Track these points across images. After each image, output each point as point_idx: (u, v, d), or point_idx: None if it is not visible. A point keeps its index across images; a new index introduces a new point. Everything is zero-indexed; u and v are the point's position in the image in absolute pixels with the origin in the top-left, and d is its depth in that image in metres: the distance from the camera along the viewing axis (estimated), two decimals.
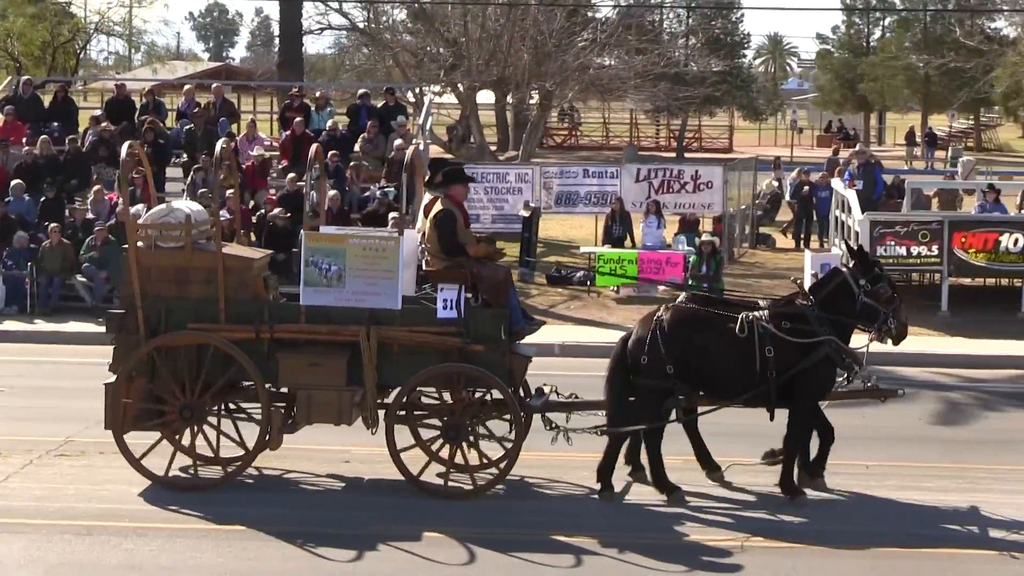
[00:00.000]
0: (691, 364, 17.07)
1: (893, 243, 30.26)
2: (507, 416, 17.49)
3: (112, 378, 17.33)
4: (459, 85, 45.99)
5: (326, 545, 15.46)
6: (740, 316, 17.21)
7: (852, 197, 33.06)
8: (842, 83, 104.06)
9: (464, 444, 17.33)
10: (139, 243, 17.29)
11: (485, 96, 51.23)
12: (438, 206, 17.53)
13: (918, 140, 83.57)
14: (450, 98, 50.40)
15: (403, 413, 17.62)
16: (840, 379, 17.48)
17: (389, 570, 15.03)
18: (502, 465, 17.35)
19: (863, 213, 31.37)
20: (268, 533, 15.86)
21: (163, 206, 18.13)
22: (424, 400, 18.09)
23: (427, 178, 18.23)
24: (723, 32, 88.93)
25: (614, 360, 17.50)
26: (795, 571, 14.96)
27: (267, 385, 17.29)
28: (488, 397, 17.38)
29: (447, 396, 17.79)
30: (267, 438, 17.21)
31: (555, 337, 27.71)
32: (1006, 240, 30.21)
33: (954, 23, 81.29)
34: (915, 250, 30.46)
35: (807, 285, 18.84)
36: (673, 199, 36.19)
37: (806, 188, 40.93)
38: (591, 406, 17.76)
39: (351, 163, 34.04)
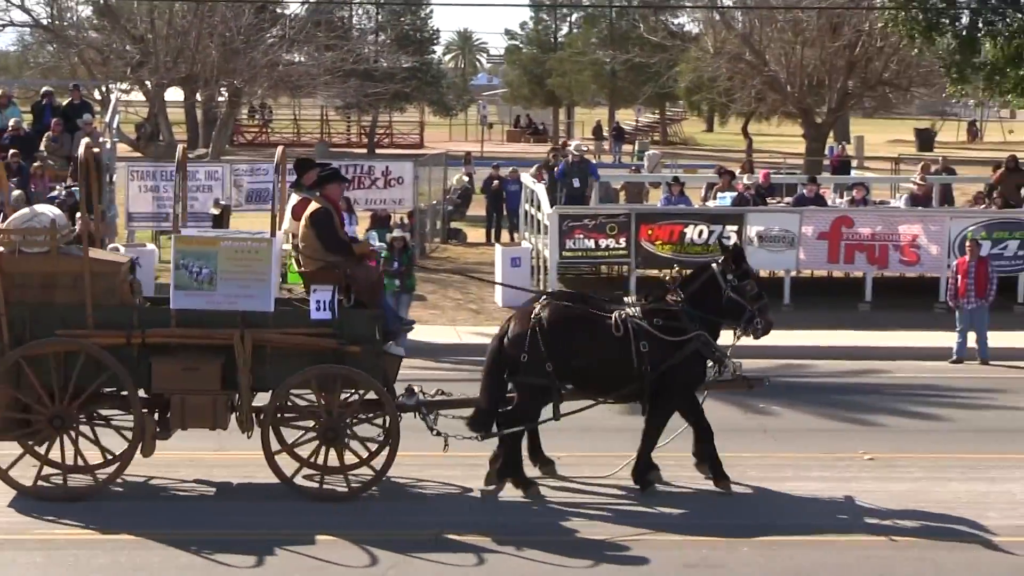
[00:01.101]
0: (570, 361, 17.25)
1: (582, 236, 30.88)
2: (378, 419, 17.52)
3: None
4: (147, 82, 45.40)
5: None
6: (615, 314, 17.45)
7: (541, 191, 33.64)
8: (531, 78, 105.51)
9: (337, 446, 17.16)
10: (1, 248, 16.87)
11: (174, 93, 50.63)
12: (314, 205, 17.39)
13: (606, 134, 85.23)
14: (138, 95, 49.69)
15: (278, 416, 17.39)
16: (711, 371, 17.76)
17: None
18: (379, 466, 17.24)
19: (552, 207, 31.93)
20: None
21: (26, 210, 17.63)
22: (298, 403, 17.76)
23: (294, 179, 18.14)
24: (412, 28, 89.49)
25: (491, 357, 17.54)
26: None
27: (139, 391, 16.92)
28: (360, 398, 17.30)
29: (316, 398, 17.45)
30: (140, 445, 16.86)
31: None
32: (691, 232, 31.03)
33: (639, 19, 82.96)
34: (603, 243, 31.11)
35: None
36: (364, 195, 36.26)
37: (496, 182, 41.53)
38: (463, 403, 17.83)
39: (35, 162, 33.40)
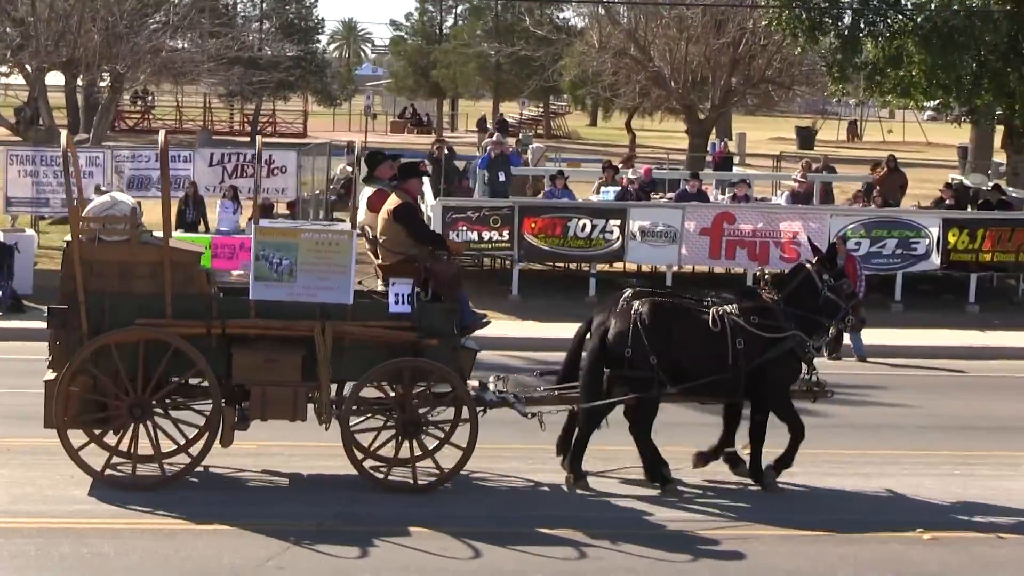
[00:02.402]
0: (671, 355, 17.39)
1: (465, 228, 30.90)
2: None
3: (51, 375, 16.68)
4: (27, 66, 44.80)
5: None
6: (712, 310, 17.66)
7: (425, 183, 33.57)
8: (416, 70, 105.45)
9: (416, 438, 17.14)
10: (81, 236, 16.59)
11: (54, 77, 49.98)
12: (395, 199, 17.29)
13: (489, 126, 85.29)
14: (18, 79, 49.05)
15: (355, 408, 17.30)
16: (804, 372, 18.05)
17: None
18: (457, 459, 17.16)
19: (435, 198, 31.94)
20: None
21: (106, 198, 17.36)
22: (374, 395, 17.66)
23: (364, 173, 18.05)
24: (297, 17, 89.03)
25: (593, 353, 17.55)
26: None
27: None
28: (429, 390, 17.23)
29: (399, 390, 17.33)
30: (220, 435, 16.79)
31: None
32: (574, 226, 31.19)
33: (524, 13, 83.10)
34: (487, 235, 31.17)
35: None
36: (247, 183, 36.12)
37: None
38: (558, 402, 17.90)
39: None
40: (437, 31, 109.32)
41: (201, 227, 34.66)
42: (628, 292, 17.89)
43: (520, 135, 71.08)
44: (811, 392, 18.33)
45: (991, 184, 36.39)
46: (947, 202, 34.53)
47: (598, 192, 35.24)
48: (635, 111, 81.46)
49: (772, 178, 47.23)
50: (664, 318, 17.52)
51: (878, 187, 36.40)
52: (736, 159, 62.44)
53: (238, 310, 16.74)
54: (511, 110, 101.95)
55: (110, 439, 17.29)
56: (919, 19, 36.15)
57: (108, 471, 16.85)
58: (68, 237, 16.79)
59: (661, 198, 35.81)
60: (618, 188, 34.46)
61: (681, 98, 56.51)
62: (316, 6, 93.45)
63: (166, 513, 16.03)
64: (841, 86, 41.99)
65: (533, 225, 31.16)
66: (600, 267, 32.35)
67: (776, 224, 31.74)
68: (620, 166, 39.33)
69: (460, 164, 39.70)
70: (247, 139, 75.71)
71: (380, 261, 17.46)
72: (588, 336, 17.84)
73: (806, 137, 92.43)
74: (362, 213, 17.99)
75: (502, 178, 34.21)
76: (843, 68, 38.21)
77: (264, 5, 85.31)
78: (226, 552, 14.89)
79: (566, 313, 28.77)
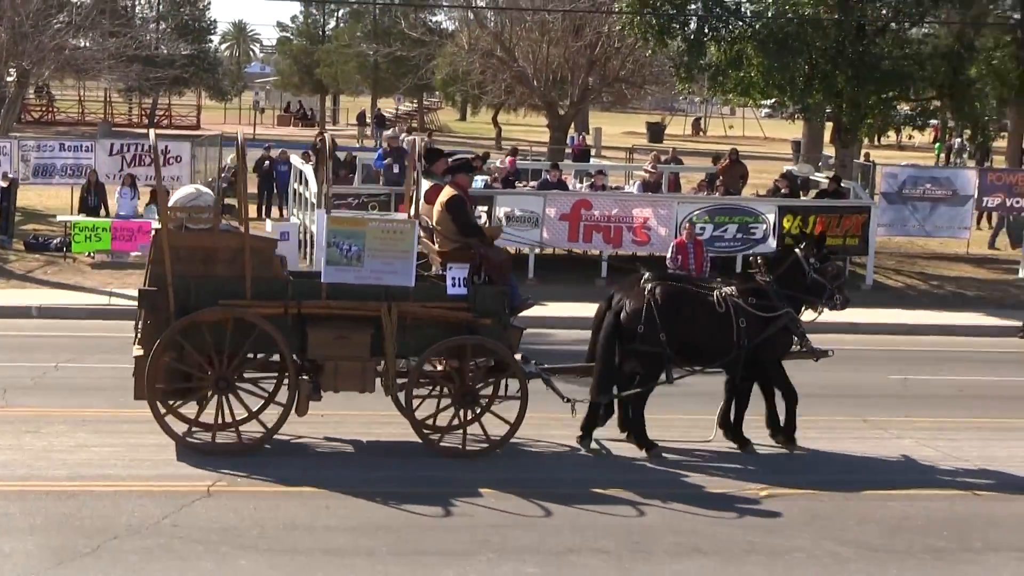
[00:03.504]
0: (680, 333, 17.56)
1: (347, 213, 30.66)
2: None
3: (138, 351, 16.75)
4: None
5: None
6: (715, 292, 17.90)
7: (309, 171, 33.36)
8: (300, 68, 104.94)
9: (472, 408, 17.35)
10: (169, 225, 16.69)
11: None
12: (448, 192, 17.54)
13: (368, 121, 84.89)
14: None
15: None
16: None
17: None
18: (509, 426, 17.30)
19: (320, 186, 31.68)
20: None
21: (192, 189, 17.62)
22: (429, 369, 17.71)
23: (423, 168, 18.14)
24: (191, 18, 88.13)
25: (608, 329, 17.65)
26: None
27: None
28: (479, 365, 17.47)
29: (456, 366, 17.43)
30: (296, 405, 16.88)
31: (33, 300, 27.34)
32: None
33: (400, 16, 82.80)
34: None
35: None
36: (145, 172, 35.66)
37: (267, 163, 41.10)
38: (580, 370, 18.24)
39: None
40: (320, 32, 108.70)
41: (102, 212, 34.21)
42: (647, 275, 18.08)
43: (396, 128, 70.73)
44: (813, 354, 18.53)
45: (831, 175, 36.70)
46: (782, 191, 34.81)
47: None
48: (501, 107, 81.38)
49: (625, 169, 47.32)
50: (674, 299, 17.72)
51: (720, 177, 36.66)
52: (593, 151, 62.74)
53: (311, 292, 16.88)
54: (388, 105, 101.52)
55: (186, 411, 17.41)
56: (757, 26, 36.40)
57: (189, 439, 17.04)
58: (158, 225, 16.80)
59: (525, 186, 35.78)
60: (486, 177, 34.37)
61: (543, 95, 56.53)
62: (209, 8, 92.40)
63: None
64: (687, 85, 42.19)
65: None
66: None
67: (629, 210, 31.83)
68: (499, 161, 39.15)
69: (341, 155, 39.44)
70: (144, 131, 74.83)
71: (438, 248, 17.64)
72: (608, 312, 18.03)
73: (656, 132, 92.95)
74: (421, 205, 17.95)
75: (396, 170, 33.90)
76: (689, 69, 38.43)
77: (160, 7, 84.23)
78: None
79: None
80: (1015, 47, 45.26)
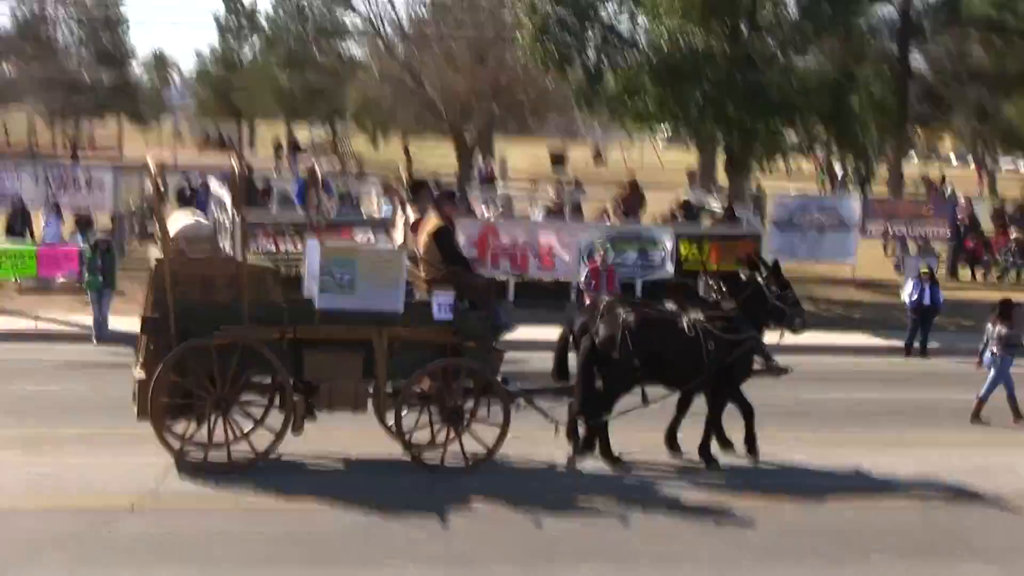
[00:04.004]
0: (652, 357, 17.88)
1: (264, 239, 30.59)
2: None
3: (140, 374, 16.91)
4: None
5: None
6: (684, 318, 18.18)
7: (226, 197, 33.23)
8: (218, 95, 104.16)
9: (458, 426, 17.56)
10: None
11: None
12: (435, 222, 17.80)
13: (283, 148, 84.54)
14: None
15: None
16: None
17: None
18: (492, 445, 17.60)
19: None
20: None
21: (191, 220, 17.88)
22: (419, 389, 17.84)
23: (409, 198, 18.38)
24: (110, 44, 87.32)
25: (585, 354, 17.91)
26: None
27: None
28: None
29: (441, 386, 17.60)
30: (291, 425, 17.09)
31: None
32: (360, 237, 30.88)
33: (314, 45, 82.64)
34: (283, 247, 30.85)
35: None
36: (69, 199, 35.41)
37: (190, 191, 40.84)
38: (558, 392, 18.37)
39: None
40: (237, 60, 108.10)
41: (28, 238, 33.85)
42: (606, 300, 18.57)
43: (312, 158, 70.56)
44: (774, 371, 19.01)
45: (726, 203, 37.06)
46: (679, 218, 35.10)
47: (379, 207, 35.11)
48: (411, 134, 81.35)
49: (530, 196, 47.46)
50: (647, 324, 18.01)
51: (621, 204, 36.89)
52: (499, 179, 62.78)
53: (305, 317, 16.97)
54: (302, 133, 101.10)
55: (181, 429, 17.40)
56: (652, 56, 36.63)
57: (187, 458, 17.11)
58: (159, 254, 17.01)
59: None
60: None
61: (450, 123, 56.61)
62: (127, 33, 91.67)
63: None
64: (588, 114, 42.34)
65: (323, 238, 30.86)
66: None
67: (534, 236, 32.00)
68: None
69: (259, 181, 39.31)
70: (68, 158, 74.10)
71: (424, 275, 17.84)
72: (571, 338, 18.41)
73: (559, 159, 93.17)
74: (403, 235, 18.39)
75: (316, 200, 33.94)
76: (589, 98, 38.58)
77: (83, 35, 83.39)
78: None
79: None
80: (893, 78, 46.01)
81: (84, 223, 33.26)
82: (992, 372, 22.70)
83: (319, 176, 36.22)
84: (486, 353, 17.59)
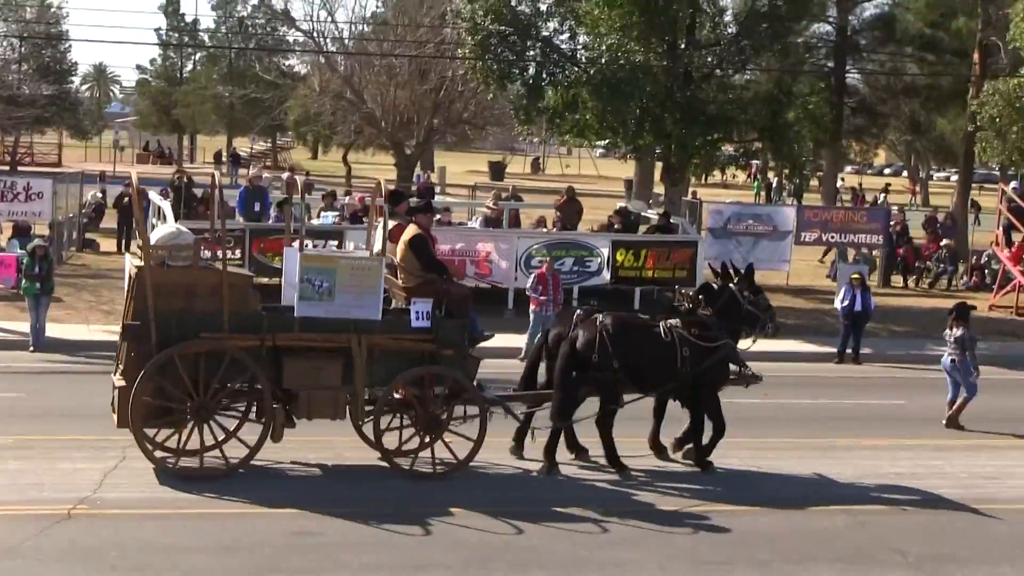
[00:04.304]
0: (630, 361, 17.93)
1: (202, 248, 30.26)
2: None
3: (121, 382, 16.67)
4: None
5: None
6: (661, 324, 18.28)
7: (167, 207, 32.93)
8: (159, 108, 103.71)
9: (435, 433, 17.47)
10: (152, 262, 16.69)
11: None
12: (412, 230, 17.74)
13: (224, 159, 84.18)
14: None
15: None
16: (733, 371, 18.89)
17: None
18: (467, 452, 17.49)
19: (175, 222, 31.24)
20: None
21: (172, 229, 17.75)
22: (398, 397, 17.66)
23: (388, 208, 18.06)
24: (52, 60, 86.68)
25: (564, 359, 17.89)
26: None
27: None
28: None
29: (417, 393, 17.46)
30: (271, 432, 16.89)
31: None
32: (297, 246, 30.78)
33: (254, 60, 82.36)
34: (221, 254, 30.55)
35: None
36: (7, 207, 35.04)
37: (127, 199, 40.51)
38: (537, 398, 18.42)
39: None
40: (178, 75, 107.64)
41: None
42: (580, 312, 18.58)
43: (251, 167, 70.22)
44: (746, 380, 19.10)
45: (661, 211, 37.14)
46: (616, 226, 35.12)
47: (319, 216, 34.94)
48: (351, 146, 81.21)
49: (468, 205, 47.40)
50: (625, 330, 18.12)
51: (558, 213, 36.88)
52: (438, 189, 62.70)
53: (284, 325, 16.90)
54: (243, 144, 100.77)
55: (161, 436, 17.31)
56: (592, 71, 36.65)
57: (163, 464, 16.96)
58: (140, 262, 16.86)
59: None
60: (336, 213, 34.25)
61: (390, 136, 56.53)
62: (69, 51, 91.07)
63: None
64: (527, 127, 42.37)
65: (262, 245, 30.73)
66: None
67: (473, 244, 31.93)
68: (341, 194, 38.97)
69: (199, 191, 39.06)
70: (7, 168, 73.45)
71: (402, 283, 17.77)
72: (546, 345, 18.49)
73: (497, 170, 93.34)
74: (378, 243, 18.08)
75: (257, 208, 33.59)
76: (528, 112, 38.54)
77: (23, 49, 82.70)
78: None
79: None
80: (829, 93, 46.30)
81: (22, 231, 32.87)
82: (953, 376, 22.82)
83: (297, 185, 36.08)
84: (462, 360, 17.52)
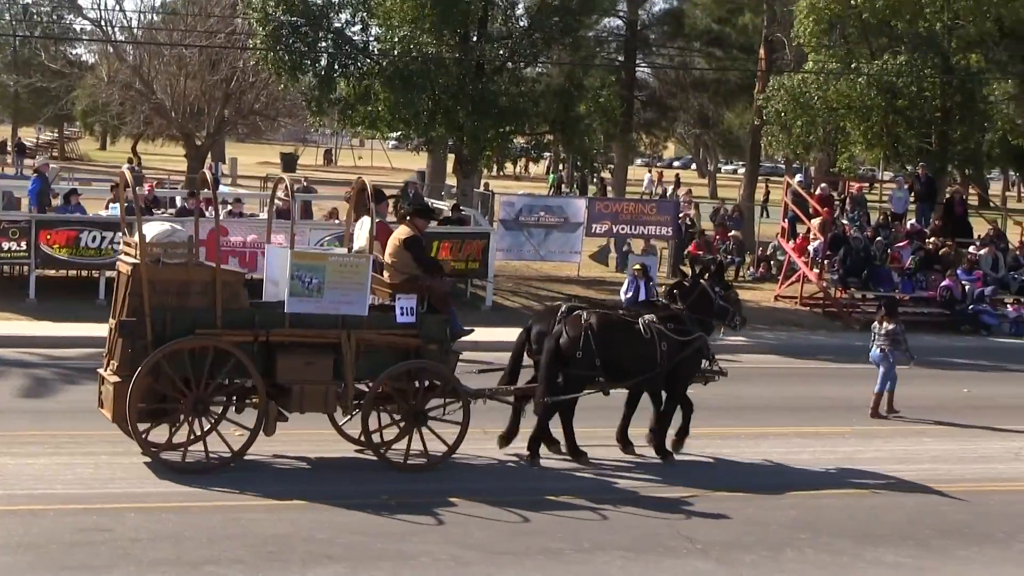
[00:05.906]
0: (613, 357, 18.42)
1: None
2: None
3: (114, 378, 16.83)
4: None
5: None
6: (640, 320, 18.77)
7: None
8: None
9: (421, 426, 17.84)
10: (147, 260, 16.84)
11: None
12: (406, 230, 18.22)
13: (9, 149, 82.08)
14: None
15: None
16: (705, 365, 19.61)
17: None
18: (451, 443, 17.96)
19: None
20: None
21: (167, 227, 17.72)
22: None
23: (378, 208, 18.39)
24: None
25: (549, 355, 18.36)
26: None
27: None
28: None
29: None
30: (264, 425, 17.19)
31: None
32: (85, 237, 30.16)
33: (40, 48, 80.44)
34: (6, 245, 29.79)
35: None
36: None
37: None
38: (522, 392, 18.87)
39: None
40: None
41: None
42: (564, 307, 19.10)
43: (37, 157, 68.63)
44: (714, 374, 19.80)
45: (452, 203, 37.18)
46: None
47: (107, 208, 34.22)
48: (140, 137, 79.78)
49: (260, 197, 46.90)
50: (608, 326, 18.57)
51: (351, 204, 36.64)
52: (229, 180, 62.03)
53: (275, 321, 17.15)
54: (29, 134, 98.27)
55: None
56: (384, 63, 36.57)
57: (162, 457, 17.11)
58: (133, 260, 17.02)
59: (163, 213, 35.08)
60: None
61: (180, 127, 55.62)
62: None
63: None
64: (319, 118, 42.04)
65: (48, 236, 29.97)
66: None
67: (262, 236, 31.55)
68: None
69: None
70: None
71: (388, 280, 18.13)
72: (528, 340, 19.08)
73: (289, 162, 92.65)
74: (360, 240, 18.41)
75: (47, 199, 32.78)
76: (320, 103, 38.29)
77: None
78: None
79: (79, 314, 27.98)
80: (620, 86, 46.93)
81: None
82: (882, 367, 23.83)
83: (129, 178, 35.06)
84: (445, 355, 17.97)
